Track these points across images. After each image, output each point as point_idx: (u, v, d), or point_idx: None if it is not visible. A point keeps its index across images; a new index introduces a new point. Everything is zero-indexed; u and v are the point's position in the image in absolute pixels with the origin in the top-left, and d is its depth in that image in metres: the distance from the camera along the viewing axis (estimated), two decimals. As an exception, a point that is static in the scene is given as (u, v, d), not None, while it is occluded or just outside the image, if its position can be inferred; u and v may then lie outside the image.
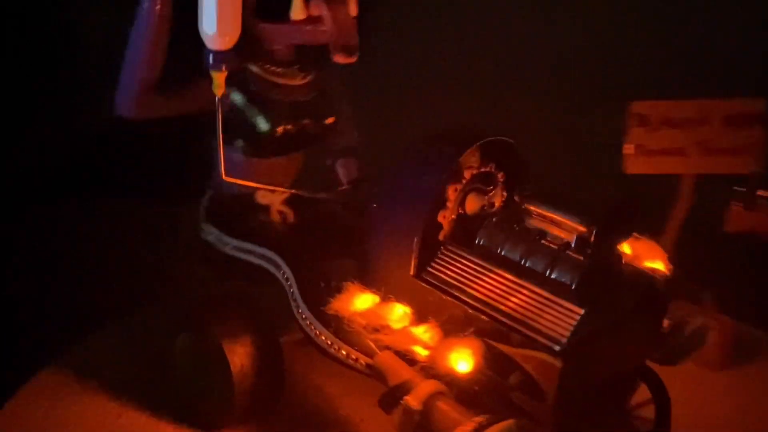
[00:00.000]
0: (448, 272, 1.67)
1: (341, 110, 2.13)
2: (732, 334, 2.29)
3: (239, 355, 1.85)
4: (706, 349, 2.27)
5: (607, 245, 1.57)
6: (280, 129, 1.97)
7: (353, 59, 1.91)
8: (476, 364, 1.49)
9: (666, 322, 1.81)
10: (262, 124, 1.96)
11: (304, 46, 1.95)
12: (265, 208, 2.04)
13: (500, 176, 1.78)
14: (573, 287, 1.54)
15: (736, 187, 2.28)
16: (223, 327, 1.86)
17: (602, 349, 1.56)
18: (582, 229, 1.56)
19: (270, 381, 1.90)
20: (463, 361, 1.47)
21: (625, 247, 1.85)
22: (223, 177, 1.73)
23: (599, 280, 1.56)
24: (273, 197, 2.03)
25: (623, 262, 1.71)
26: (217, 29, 1.63)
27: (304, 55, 1.98)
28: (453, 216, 1.73)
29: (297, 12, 1.87)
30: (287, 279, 1.87)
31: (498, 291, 1.61)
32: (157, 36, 1.78)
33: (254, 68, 1.95)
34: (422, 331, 1.53)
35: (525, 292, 1.58)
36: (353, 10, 1.89)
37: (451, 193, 1.71)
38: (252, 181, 1.99)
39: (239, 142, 1.98)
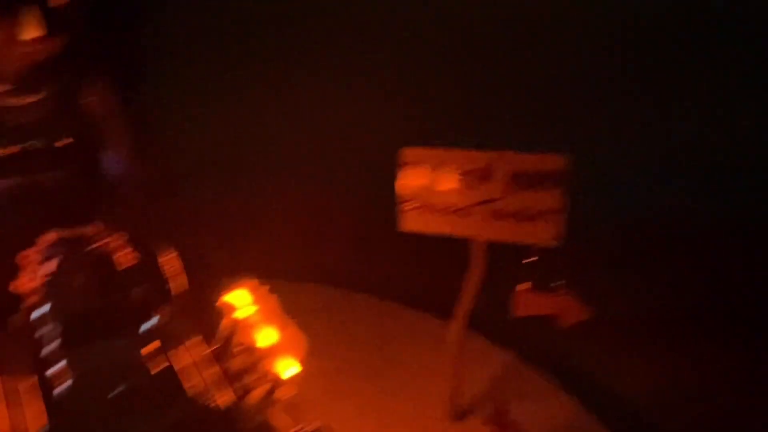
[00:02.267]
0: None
1: (106, 128, 1.93)
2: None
3: None
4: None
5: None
6: None
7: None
8: None
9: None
10: None
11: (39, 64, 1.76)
12: None
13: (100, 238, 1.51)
14: None
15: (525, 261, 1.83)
16: None
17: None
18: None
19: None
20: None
21: (265, 337, 1.55)
22: None
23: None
24: None
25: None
26: None
27: (37, 73, 1.80)
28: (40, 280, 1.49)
29: None
30: None
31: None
32: None
33: None
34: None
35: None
36: (30, 31, 1.67)
37: (24, 260, 1.47)
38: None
39: None
